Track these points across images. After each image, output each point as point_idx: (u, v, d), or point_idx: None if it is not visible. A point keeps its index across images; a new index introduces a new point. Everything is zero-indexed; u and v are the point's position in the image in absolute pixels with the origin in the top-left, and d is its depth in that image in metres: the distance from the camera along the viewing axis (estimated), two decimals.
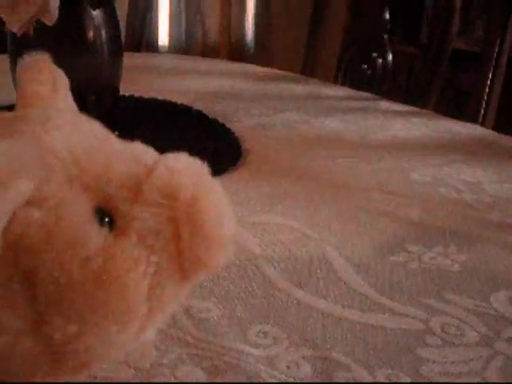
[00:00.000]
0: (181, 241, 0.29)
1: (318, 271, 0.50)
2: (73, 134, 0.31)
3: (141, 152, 0.32)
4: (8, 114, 0.33)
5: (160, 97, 0.91)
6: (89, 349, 0.29)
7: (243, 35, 2.02)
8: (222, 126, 0.83)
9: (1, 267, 0.27)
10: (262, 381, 0.38)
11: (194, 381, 0.38)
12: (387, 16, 1.31)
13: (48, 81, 0.37)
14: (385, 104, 1.05)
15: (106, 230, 0.29)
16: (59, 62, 0.69)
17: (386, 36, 1.31)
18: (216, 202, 0.30)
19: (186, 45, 1.99)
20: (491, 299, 0.48)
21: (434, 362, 0.41)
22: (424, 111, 1.04)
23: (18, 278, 0.27)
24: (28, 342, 0.28)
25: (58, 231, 0.27)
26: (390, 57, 1.32)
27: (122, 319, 0.29)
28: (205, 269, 0.31)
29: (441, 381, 0.39)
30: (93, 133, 0.32)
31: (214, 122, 0.84)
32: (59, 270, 0.27)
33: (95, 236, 0.28)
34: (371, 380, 0.39)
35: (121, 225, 0.29)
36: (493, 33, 1.24)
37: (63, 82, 0.39)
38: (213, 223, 0.30)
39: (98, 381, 0.34)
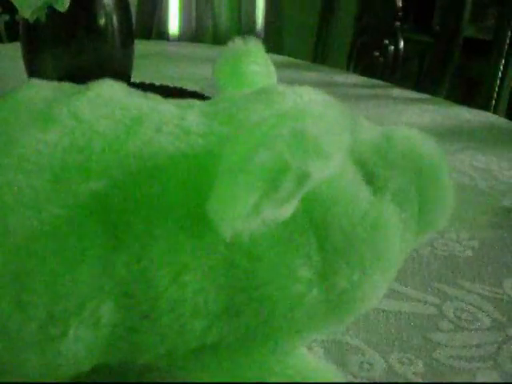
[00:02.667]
0: (425, 199, 0.33)
1: None
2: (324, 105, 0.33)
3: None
4: (240, 94, 0.35)
5: (171, 84, 0.91)
6: (363, 297, 0.31)
7: (254, 23, 2.02)
8: None
9: (297, 220, 0.28)
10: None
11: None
12: (399, 3, 1.30)
13: (262, 62, 0.41)
14: (396, 91, 1.04)
15: (369, 189, 0.31)
16: (71, 48, 0.69)
17: (397, 23, 1.31)
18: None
19: (196, 33, 1.99)
20: (504, 285, 0.48)
21: (446, 346, 0.41)
22: (436, 98, 1.04)
23: (312, 230, 0.29)
24: (316, 292, 0.29)
25: (341, 188, 0.30)
26: (401, 44, 1.32)
27: (388, 270, 0.32)
28: (437, 227, 0.35)
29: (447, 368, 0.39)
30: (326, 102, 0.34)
31: None
32: (346, 222, 0.29)
33: (367, 194, 0.31)
34: (384, 364, 0.39)
35: (377, 186, 0.31)
36: (505, 21, 1.23)
37: (271, 62, 0.42)
38: (450, 186, 0.34)
39: (99, 381, 0.34)
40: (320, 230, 0.29)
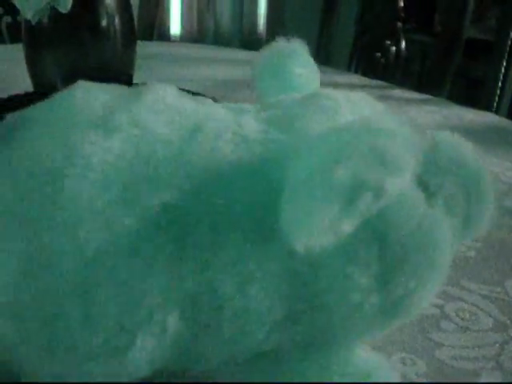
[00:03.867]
0: (470, 205, 0.33)
1: None
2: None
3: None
4: (293, 96, 0.34)
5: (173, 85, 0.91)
6: (417, 303, 0.31)
7: (255, 24, 2.02)
8: None
9: (360, 229, 0.28)
10: None
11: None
12: (401, 4, 1.30)
13: (307, 64, 0.41)
14: (398, 92, 1.04)
15: (423, 197, 0.31)
16: (73, 49, 0.69)
17: (399, 24, 1.31)
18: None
19: (198, 34, 1.99)
20: (506, 285, 0.48)
21: (448, 346, 0.41)
22: (437, 99, 1.04)
23: (373, 240, 0.29)
24: (373, 300, 0.30)
25: (401, 198, 0.29)
26: (403, 45, 1.32)
27: (439, 276, 0.32)
28: (479, 233, 0.35)
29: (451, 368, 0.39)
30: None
31: None
32: (405, 231, 0.29)
33: (422, 202, 0.30)
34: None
35: (429, 193, 0.31)
36: (506, 21, 1.23)
37: (315, 64, 0.42)
38: (492, 191, 0.34)
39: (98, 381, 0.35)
40: (381, 240, 0.29)
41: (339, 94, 0.33)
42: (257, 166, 0.29)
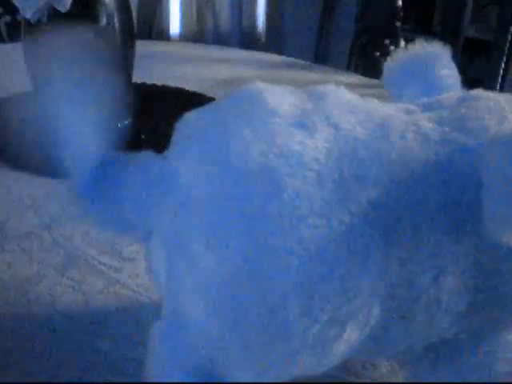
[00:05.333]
0: None
1: None
2: None
3: None
4: (449, 97, 0.35)
5: (172, 84, 0.91)
6: None
7: (254, 23, 2.02)
8: None
9: None
10: None
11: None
12: (400, 3, 1.30)
13: (450, 65, 0.42)
14: None
15: None
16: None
17: (398, 23, 1.31)
18: None
19: (197, 33, 1.99)
20: None
21: None
22: None
23: None
24: None
25: None
26: (402, 44, 1.32)
27: None
28: None
29: None
30: None
31: None
32: None
33: None
34: (387, 364, 0.39)
35: None
36: (505, 21, 1.23)
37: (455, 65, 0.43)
38: None
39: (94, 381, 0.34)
40: None
41: (497, 96, 0.34)
42: (445, 164, 0.30)
